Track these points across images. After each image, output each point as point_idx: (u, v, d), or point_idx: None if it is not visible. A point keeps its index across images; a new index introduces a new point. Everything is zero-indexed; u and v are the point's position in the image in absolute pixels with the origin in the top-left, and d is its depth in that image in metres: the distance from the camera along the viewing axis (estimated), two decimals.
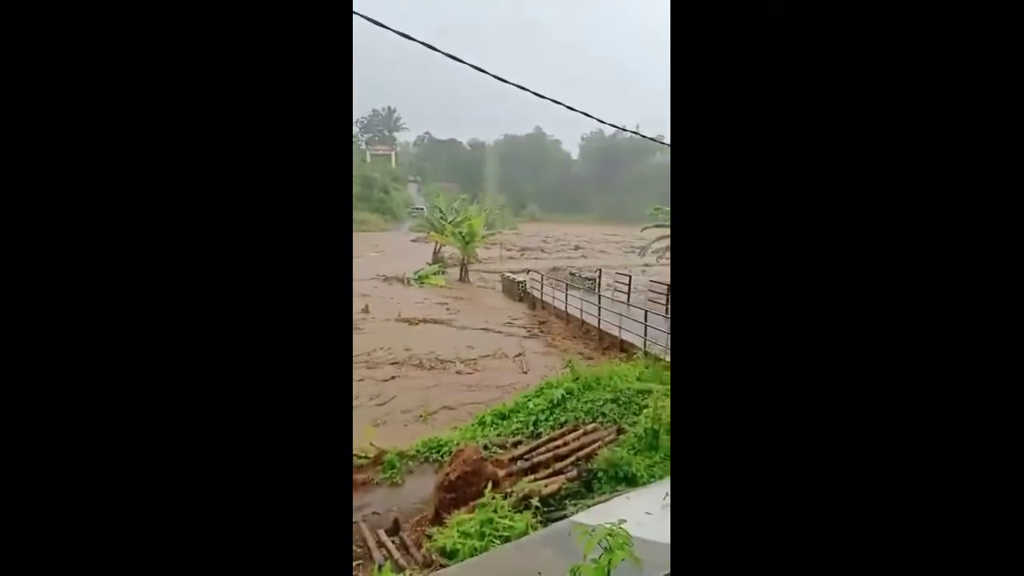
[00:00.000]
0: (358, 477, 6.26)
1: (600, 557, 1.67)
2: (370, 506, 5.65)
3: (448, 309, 16.41)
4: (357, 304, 15.75)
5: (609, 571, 1.59)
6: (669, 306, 12.45)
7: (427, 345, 12.28)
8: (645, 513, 4.36)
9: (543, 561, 1.89)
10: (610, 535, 1.59)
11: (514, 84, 5.10)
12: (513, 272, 20.52)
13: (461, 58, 4.30)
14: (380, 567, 4.05)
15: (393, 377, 10.34)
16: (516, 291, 18.05)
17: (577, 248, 35.25)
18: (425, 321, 14.89)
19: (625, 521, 1.72)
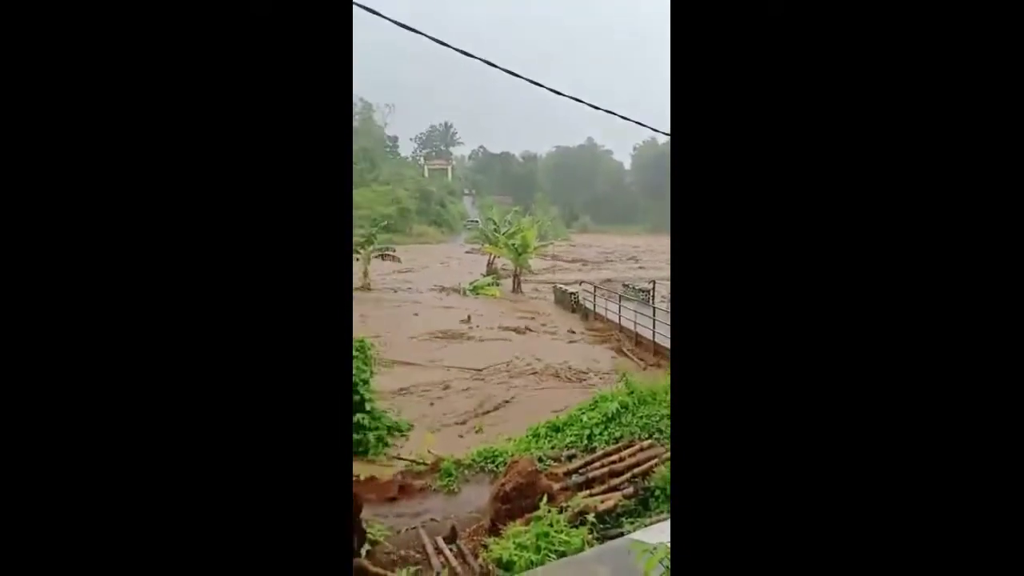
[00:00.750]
0: (416, 483, 6.47)
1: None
2: (428, 512, 5.82)
3: (521, 318, 16.53)
4: (456, 315, 16.23)
5: None
6: None
7: (534, 354, 12.41)
8: None
9: None
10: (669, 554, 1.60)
11: (568, 96, 5.20)
12: (565, 283, 20.48)
13: (517, 72, 4.44)
14: (438, 574, 4.18)
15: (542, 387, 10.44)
16: (568, 302, 17.99)
17: (630, 259, 34.67)
18: (518, 330, 15.05)
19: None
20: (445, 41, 3.99)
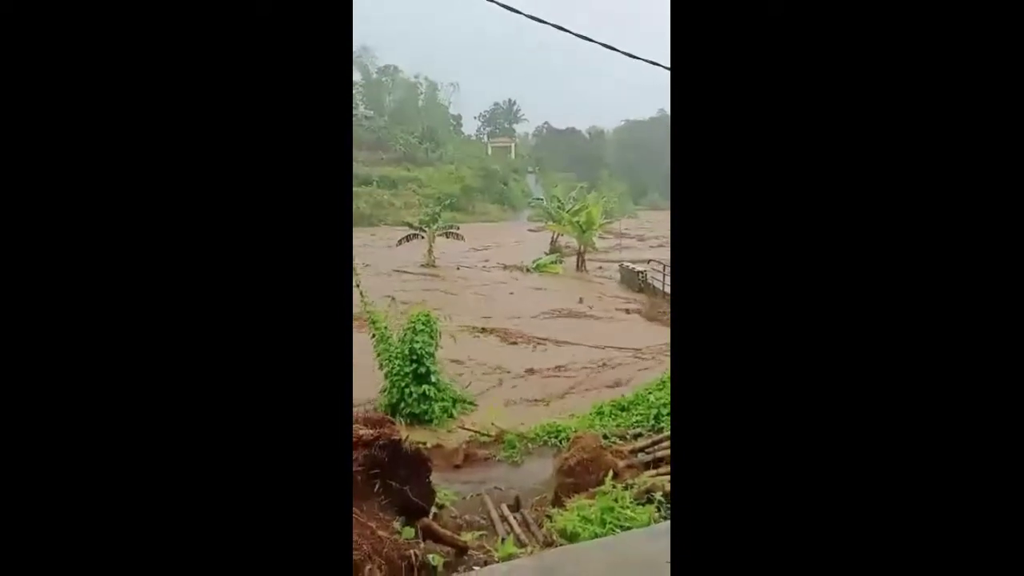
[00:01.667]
0: (479, 452, 6.62)
1: None
2: (493, 481, 5.95)
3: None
4: (572, 297, 16.29)
5: None
6: None
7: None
8: None
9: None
10: None
11: (645, 60, 4.90)
12: (632, 262, 19.91)
13: (589, 36, 4.23)
14: (503, 540, 4.25)
15: None
16: (636, 281, 17.51)
17: None
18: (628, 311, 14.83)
19: None
20: (512, 6, 3.85)
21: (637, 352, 11.15)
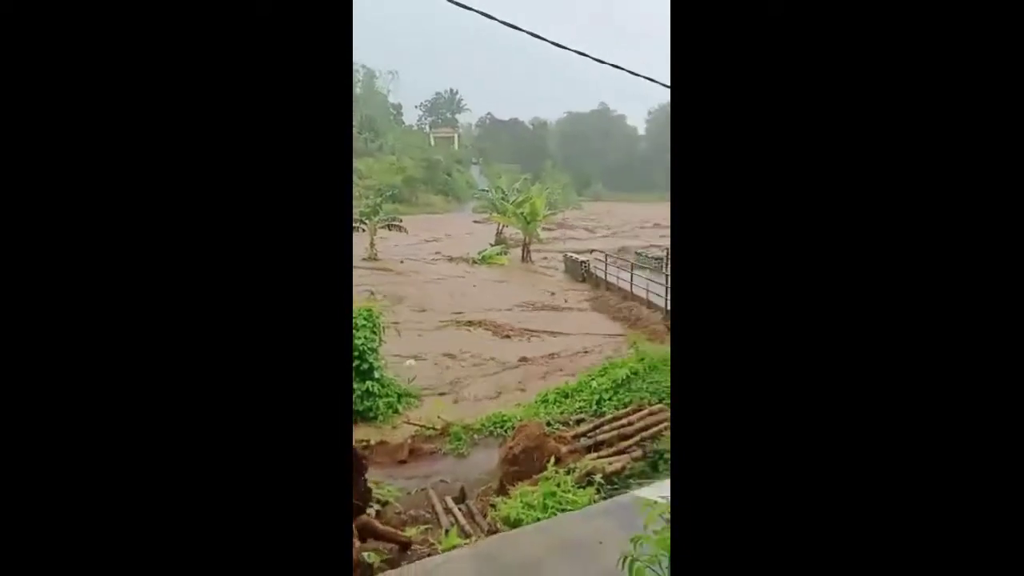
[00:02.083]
0: (425, 447, 6.58)
1: (662, 529, 1.65)
2: (438, 475, 5.93)
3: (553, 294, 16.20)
4: (536, 290, 16.04)
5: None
6: None
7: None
8: None
9: (605, 532, 1.89)
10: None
11: (575, 51, 4.96)
12: (576, 252, 20.31)
13: (520, 26, 4.24)
14: (447, 532, 4.25)
15: None
16: (579, 271, 17.87)
17: (643, 227, 34.20)
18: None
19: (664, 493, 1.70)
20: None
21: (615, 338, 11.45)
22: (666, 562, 1.58)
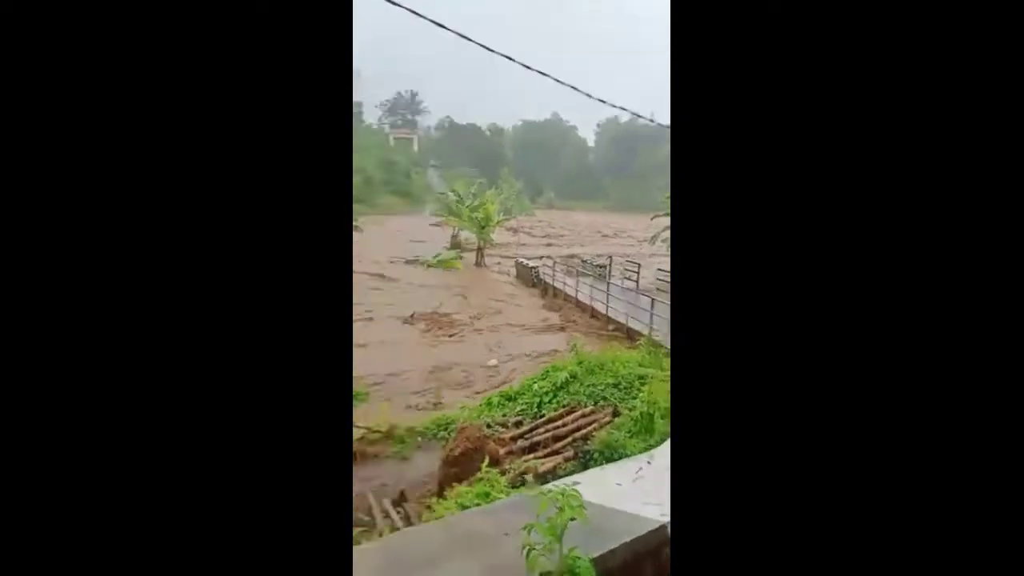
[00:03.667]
0: (370, 450, 6.63)
1: (554, 516, 1.79)
2: (380, 478, 6.00)
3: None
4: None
5: (562, 530, 1.66)
6: None
7: None
8: (616, 484, 4.56)
9: (511, 524, 2.05)
10: (562, 495, 1.74)
11: (536, 70, 5.21)
12: (527, 258, 20.66)
13: (487, 45, 4.44)
14: (381, 534, 4.36)
15: None
16: (529, 277, 18.21)
17: (591, 235, 35.06)
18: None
19: (579, 484, 1.88)
20: (414, 9, 3.94)
21: None
22: (559, 548, 1.68)
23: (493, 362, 10.66)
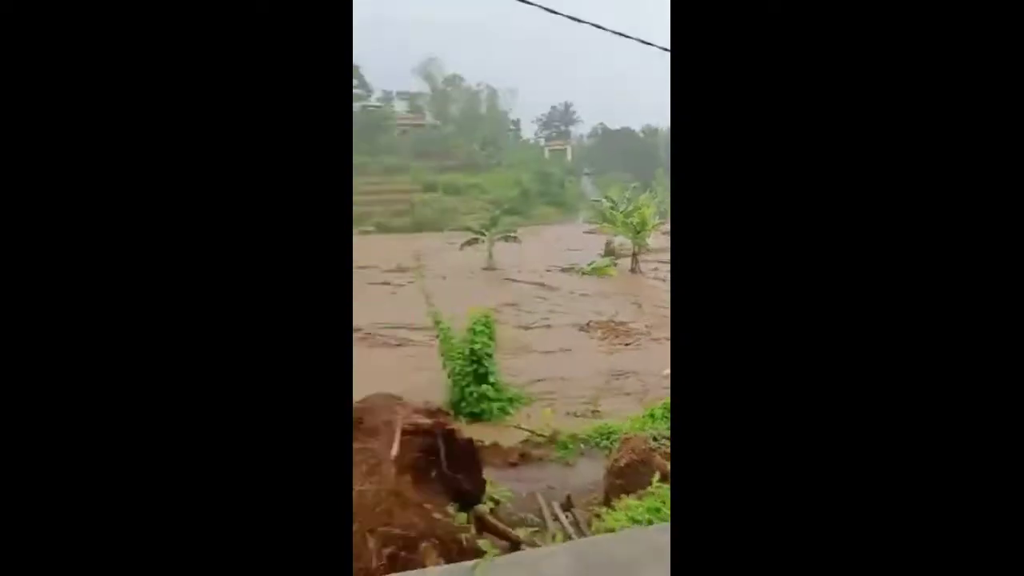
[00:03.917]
0: (535, 452, 6.89)
1: None
2: (546, 480, 6.19)
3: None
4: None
5: None
6: None
7: None
8: None
9: None
10: None
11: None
12: None
13: (646, 39, 4.33)
14: (554, 537, 4.48)
15: None
16: None
17: None
18: None
19: None
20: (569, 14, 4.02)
21: None
22: None
23: (666, 372, 10.29)
